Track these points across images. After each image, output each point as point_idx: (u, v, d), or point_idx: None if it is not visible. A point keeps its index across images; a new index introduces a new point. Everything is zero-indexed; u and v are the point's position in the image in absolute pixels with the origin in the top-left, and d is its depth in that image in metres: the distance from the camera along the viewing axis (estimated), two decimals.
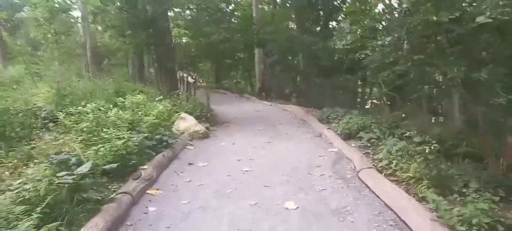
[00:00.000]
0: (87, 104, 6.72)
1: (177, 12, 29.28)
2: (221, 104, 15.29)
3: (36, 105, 8.61)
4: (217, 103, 15.58)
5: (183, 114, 9.00)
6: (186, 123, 8.74)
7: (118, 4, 10.67)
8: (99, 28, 20.16)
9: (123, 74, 21.80)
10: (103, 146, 5.38)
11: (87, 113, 6.37)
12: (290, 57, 18.74)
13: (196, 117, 10.03)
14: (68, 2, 18.63)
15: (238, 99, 17.42)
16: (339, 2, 16.83)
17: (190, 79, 12.69)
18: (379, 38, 7.54)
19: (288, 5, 21.08)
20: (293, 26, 19.78)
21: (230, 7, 29.26)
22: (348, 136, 7.79)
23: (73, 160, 4.91)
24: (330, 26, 17.91)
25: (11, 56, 18.27)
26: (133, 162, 5.48)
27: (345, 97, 18.83)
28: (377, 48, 7.67)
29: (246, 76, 27.93)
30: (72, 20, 20.81)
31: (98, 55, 21.57)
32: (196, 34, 26.55)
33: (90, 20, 18.20)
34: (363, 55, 13.92)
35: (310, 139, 8.25)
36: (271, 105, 14.35)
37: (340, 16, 17.50)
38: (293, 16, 19.83)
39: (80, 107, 6.62)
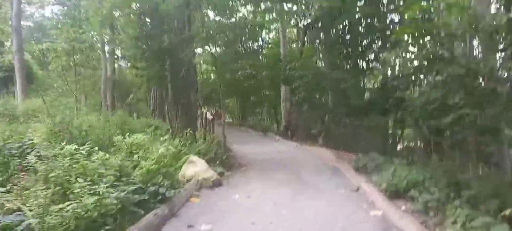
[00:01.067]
0: (66, 147, 5.29)
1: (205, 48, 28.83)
2: (242, 143, 13.70)
3: (30, 141, 7.32)
4: (238, 142, 14.02)
5: (192, 158, 7.44)
6: (195, 167, 7.16)
7: (131, 31, 9.51)
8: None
9: (146, 109, 20.84)
10: (70, 205, 3.87)
11: (64, 157, 4.92)
12: (317, 95, 17.11)
13: (209, 159, 8.46)
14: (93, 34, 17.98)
15: (262, 138, 15.79)
16: (369, 41, 15.23)
17: (209, 116, 11.22)
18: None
19: (317, 42, 19.82)
20: (321, 64, 18.32)
21: (258, 44, 28.39)
22: (395, 194, 5.92)
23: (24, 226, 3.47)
24: (359, 64, 16.30)
25: (34, 88, 17.71)
26: (107, 228, 3.92)
27: (376, 140, 16.90)
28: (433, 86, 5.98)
29: (272, 114, 26.44)
30: (97, 52, 20.17)
31: (123, 89, 20.77)
32: (222, 70, 25.53)
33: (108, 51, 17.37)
34: (406, 93, 12.19)
35: (345, 195, 6.42)
36: (296, 146, 12.62)
37: (370, 54, 15.87)
38: (321, 55, 18.43)
39: (56, 150, 5.19)
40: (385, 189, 6.03)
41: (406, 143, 20.92)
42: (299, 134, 17.72)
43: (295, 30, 25.13)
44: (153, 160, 5.95)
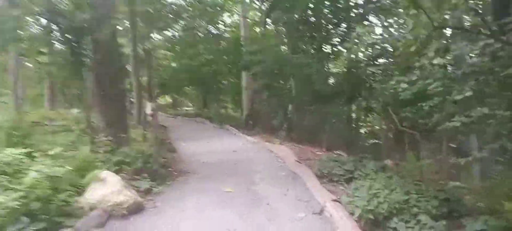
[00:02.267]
0: None
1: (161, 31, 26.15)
2: (193, 139, 11.69)
3: None
4: (188, 138, 12.02)
5: (102, 174, 5.36)
6: (104, 188, 5.10)
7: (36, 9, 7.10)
8: None
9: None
10: None
11: None
12: (281, 82, 15.27)
13: (135, 170, 6.42)
14: None
15: (217, 132, 13.77)
16: (334, 23, 13.41)
17: (148, 110, 9.07)
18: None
19: (280, 24, 17.88)
20: (285, 49, 16.44)
21: (218, 28, 26.12)
22: (372, 224, 4.18)
23: None
24: (324, 48, 14.53)
25: None
26: None
27: (340, 127, 15.40)
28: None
29: (237, 102, 24.47)
30: None
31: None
32: (179, 56, 23.16)
33: None
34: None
35: (305, 223, 4.62)
36: (255, 142, 10.75)
37: (335, 37, 14.11)
38: (284, 39, 16.56)
39: None
40: (359, 217, 4.25)
41: (368, 128, 19.76)
42: (261, 124, 15.91)
43: (258, 14, 23.14)
44: (18, 191, 3.83)
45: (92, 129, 7.86)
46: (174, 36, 26.20)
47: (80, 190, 5.29)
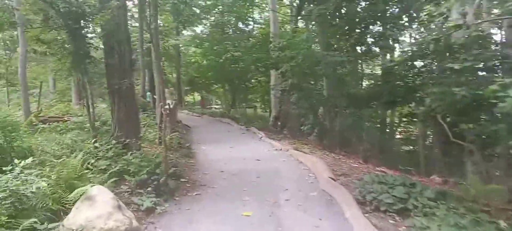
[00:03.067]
0: None
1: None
2: (215, 143, 10.57)
3: None
4: (210, 141, 10.91)
5: (93, 190, 4.28)
6: (91, 210, 4.02)
7: None
8: None
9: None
10: None
11: None
12: (312, 82, 13.85)
13: (139, 183, 5.33)
14: None
15: (242, 135, 12.54)
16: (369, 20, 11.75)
17: (164, 110, 8.00)
18: None
19: (312, 24, 16.39)
20: (317, 46, 14.96)
21: (247, 24, 24.97)
22: None
23: None
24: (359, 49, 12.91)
25: None
26: None
27: (374, 133, 13.79)
28: None
29: (267, 102, 23.17)
30: None
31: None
32: (207, 52, 22.21)
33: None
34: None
35: None
36: (282, 148, 9.45)
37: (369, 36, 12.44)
38: (316, 34, 15.09)
39: None
40: None
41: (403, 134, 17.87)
42: (289, 127, 14.59)
43: (288, 11, 21.74)
44: None
45: (95, 128, 6.87)
46: (202, 32, 25.44)
47: (66, 209, 4.27)
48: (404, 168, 10.76)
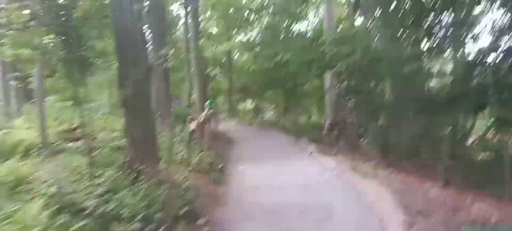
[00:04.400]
0: None
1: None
2: (254, 161, 8.85)
3: None
4: (250, 158, 9.25)
5: None
6: None
7: None
8: None
9: None
10: None
11: None
12: (372, 84, 11.43)
13: None
14: None
15: (290, 149, 10.58)
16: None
17: (193, 124, 6.47)
18: None
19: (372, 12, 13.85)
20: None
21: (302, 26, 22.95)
22: None
23: None
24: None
25: None
26: None
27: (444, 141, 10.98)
28: None
29: (322, 109, 20.93)
30: None
31: None
32: (258, 57, 20.69)
33: None
34: None
35: None
36: (335, 169, 7.40)
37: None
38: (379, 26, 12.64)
39: None
40: None
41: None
42: (346, 137, 12.32)
43: (345, 7, 19.33)
44: None
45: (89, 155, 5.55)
46: (252, 36, 23.97)
47: None
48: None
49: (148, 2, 11.10)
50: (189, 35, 11.29)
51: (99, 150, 7.48)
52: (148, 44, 9.79)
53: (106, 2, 5.64)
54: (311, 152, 9.42)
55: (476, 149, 14.55)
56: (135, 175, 5.50)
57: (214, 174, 6.88)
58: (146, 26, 14.48)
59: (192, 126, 6.91)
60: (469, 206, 5.58)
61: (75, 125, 11.18)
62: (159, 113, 11.74)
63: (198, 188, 5.99)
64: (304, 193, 6.03)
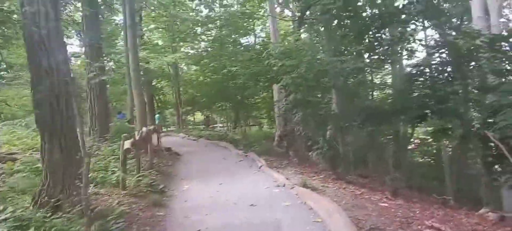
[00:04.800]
0: None
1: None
2: (201, 177, 8.21)
3: None
4: (196, 174, 8.62)
5: None
6: None
7: None
8: None
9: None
10: None
11: None
12: (318, 96, 11.38)
13: None
14: None
15: (238, 164, 10.07)
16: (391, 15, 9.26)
17: (127, 142, 5.70)
18: None
19: (317, 27, 13.96)
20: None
21: (250, 41, 22.84)
22: None
23: None
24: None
25: None
26: None
27: (388, 147, 11.37)
28: None
29: (272, 119, 20.73)
30: None
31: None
32: (206, 69, 20.08)
33: None
34: None
35: None
36: (285, 185, 7.03)
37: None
38: (322, 39, 12.75)
39: None
40: None
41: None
42: (296, 148, 12.16)
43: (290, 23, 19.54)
44: None
45: None
46: (200, 48, 23.34)
47: None
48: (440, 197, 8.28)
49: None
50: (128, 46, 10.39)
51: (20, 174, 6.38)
52: (73, 54, 8.80)
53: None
54: (261, 166, 8.99)
55: (416, 155, 15.33)
56: (54, 204, 4.63)
57: (153, 197, 6.13)
58: (78, 36, 13.36)
59: (127, 144, 6.10)
60: (420, 216, 5.51)
61: None
62: (96, 129, 10.72)
63: (132, 214, 5.23)
64: (253, 212, 5.54)
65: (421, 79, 8.81)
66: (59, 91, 4.85)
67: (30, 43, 4.82)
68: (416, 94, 8.98)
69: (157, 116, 25.70)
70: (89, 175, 6.42)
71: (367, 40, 9.34)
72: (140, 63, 18.35)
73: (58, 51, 4.78)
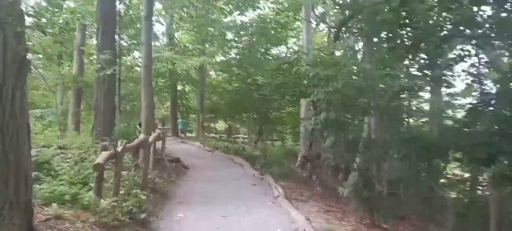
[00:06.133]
0: None
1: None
2: (201, 204, 6.52)
3: None
4: (199, 198, 6.95)
5: None
6: None
7: None
8: None
9: None
10: None
11: None
12: (348, 116, 9.27)
13: None
14: None
15: (250, 188, 8.30)
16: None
17: (103, 155, 4.18)
18: None
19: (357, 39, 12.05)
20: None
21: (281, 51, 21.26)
22: None
23: None
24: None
25: None
26: None
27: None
28: None
29: (297, 135, 18.88)
30: None
31: None
32: (233, 78, 18.65)
33: None
34: None
35: None
36: (304, 224, 5.23)
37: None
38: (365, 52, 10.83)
39: None
40: None
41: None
42: (322, 175, 10.24)
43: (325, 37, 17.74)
44: None
45: None
46: (230, 55, 21.98)
47: None
48: None
49: None
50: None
51: None
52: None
53: None
54: (277, 195, 7.19)
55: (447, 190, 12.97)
56: None
57: (129, 230, 4.53)
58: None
59: (100, 158, 4.54)
60: None
61: None
62: (99, 129, 9.37)
63: None
64: None
65: (491, 109, 6.73)
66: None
67: None
68: (481, 129, 6.91)
69: (180, 120, 24.47)
70: (58, 189, 4.95)
71: (424, 55, 7.35)
72: (165, 64, 17.28)
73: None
